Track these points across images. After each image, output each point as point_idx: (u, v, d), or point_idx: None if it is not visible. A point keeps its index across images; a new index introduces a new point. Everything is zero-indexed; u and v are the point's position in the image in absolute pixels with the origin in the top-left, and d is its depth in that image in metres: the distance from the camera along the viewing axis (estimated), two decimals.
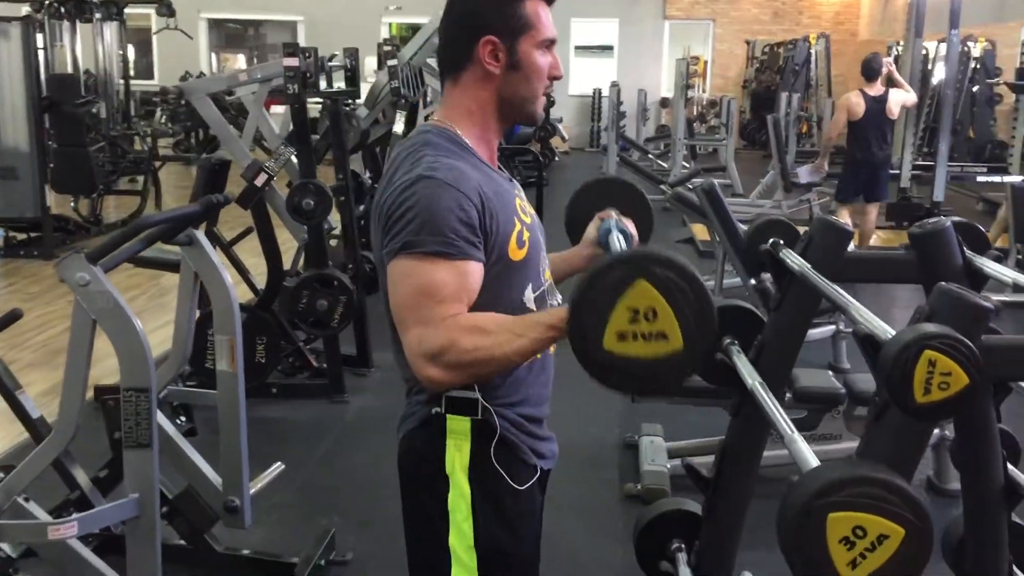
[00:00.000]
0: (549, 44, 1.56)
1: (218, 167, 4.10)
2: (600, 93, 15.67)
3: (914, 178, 9.04)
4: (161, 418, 2.43)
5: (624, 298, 1.28)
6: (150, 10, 12.61)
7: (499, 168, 1.63)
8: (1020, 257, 6.37)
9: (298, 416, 4.18)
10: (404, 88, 5.44)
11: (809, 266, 1.75)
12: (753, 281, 4.39)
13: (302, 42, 17.32)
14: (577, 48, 16.79)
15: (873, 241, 8.88)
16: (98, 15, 9.48)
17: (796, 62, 15.19)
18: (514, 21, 1.52)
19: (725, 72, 17.64)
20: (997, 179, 9.17)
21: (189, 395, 2.98)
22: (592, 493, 3.48)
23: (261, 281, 4.54)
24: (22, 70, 6.90)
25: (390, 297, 1.48)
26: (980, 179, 10.01)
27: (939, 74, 11.75)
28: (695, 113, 15.87)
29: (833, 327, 4.79)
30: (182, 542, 2.70)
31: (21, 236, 7.39)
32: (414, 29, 15.96)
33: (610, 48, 17.22)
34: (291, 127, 4.25)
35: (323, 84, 4.83)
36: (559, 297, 1.70)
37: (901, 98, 7.31)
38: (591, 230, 1.82)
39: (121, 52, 10.66)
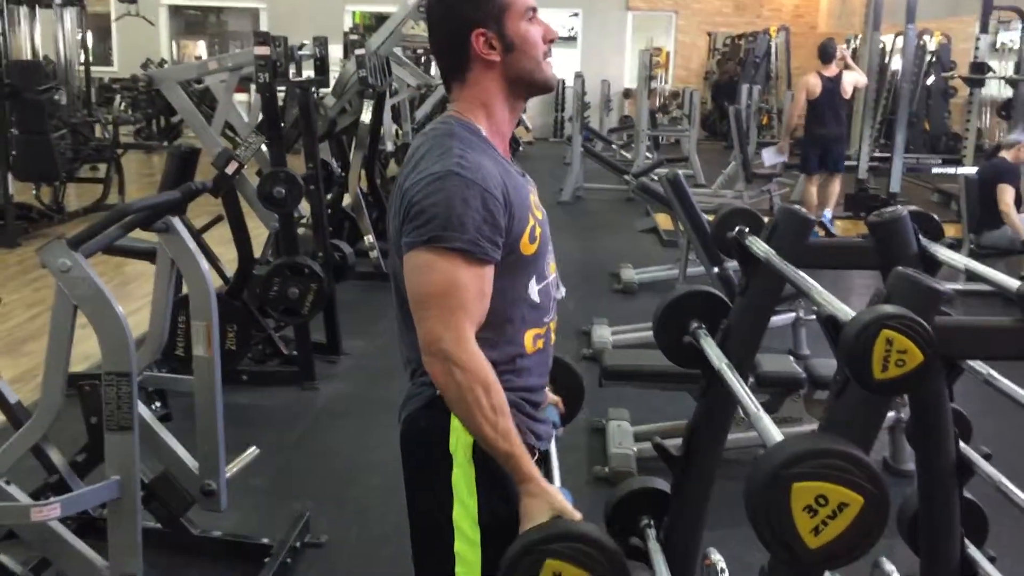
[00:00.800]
0: (532, 12, 1.62)
1: (188, 155, 4.10)
2: (563, 83, 15.75)
3: (871, 170, 9.22)
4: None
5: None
6: None
7: (512, 160, 1.68)
8: (973, 247, 6.55)
9: (269, 403, 4.21)
10: (372, 78, 5.47)
11: (774, 252, 1.83)
12: (716, 269, 4.51)
13: (264, 29, 17.27)
14: None
15: (832, 229, 9.07)
16: (58, 1, 9.34)
17: (757, 54, 15.35)
18: (491, 5, 1.58)
19: (687, 64, 17.79)
20: (951, 171, 9.39)
21: (165, 380, 3.01)
22: (561, 476, 3.54)
23: (230, 268, 4.56)
24: None
25: (408, 285, 1.53)
26: (935, 171, 10.23)
27: (896, 67, 11.97)
28: (658, 104, 16.01)
29: (793, 315, 4.91)
30: (158, 525, 2.74)
31: None
32: (378, 18, 15.90)
33: (573, 39, 17.29)
34: (261, 116, 4.27)
35: (292, 73, 4.85)
36: (563, 290, 1.78)
37: (853, 79, 8.27)
38: None
39: (81, 38, 10.52)
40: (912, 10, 8.63)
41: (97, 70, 12.51)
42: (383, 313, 5.44)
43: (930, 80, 13.17)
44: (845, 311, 1.39)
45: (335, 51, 9.95)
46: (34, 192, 7.98)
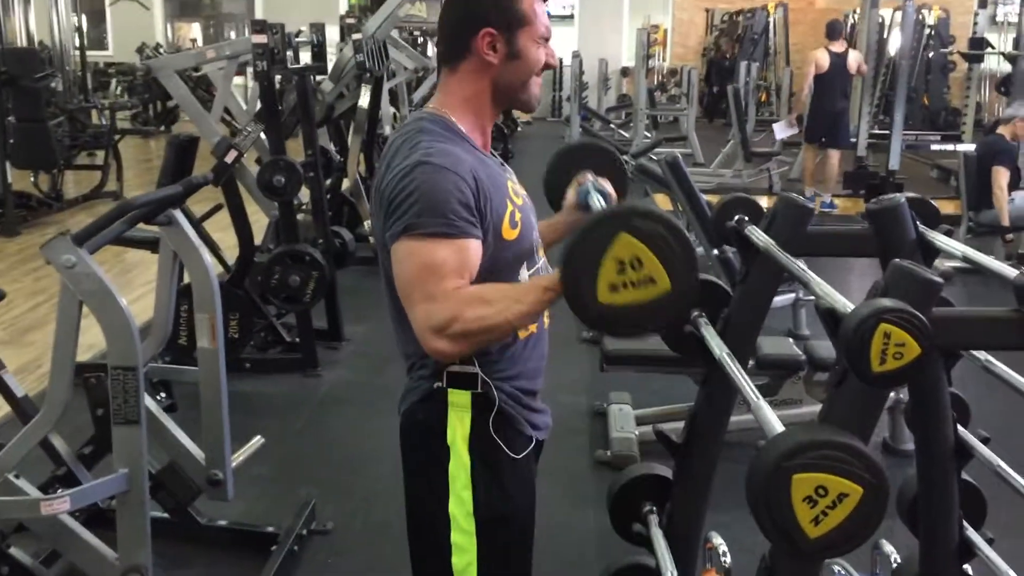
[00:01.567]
0: (546, 39, 1.65)
1: (187, 144, 4.11)
2: (561, 63, 15.71)
3: (870, 146, 9.22)
4: None
5: (609, 252, 1.37)
6: None
7: (492, 153, 1.70)
8: (972, 224, 6.56)
9: (273, 390, 4.24)
10: (369, 62, 5.45)
11: (773, 242, 1.85)
12: (716, 252, 4.52)
13: (258, 11, 17.17)
14: None
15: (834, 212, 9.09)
16: None
17: (755, 31, 15.31)
18: (512, 15, 1.60)
19: (685, 41, 17.71)
20: (950, 147, 9.38)
21: (170, 372, 3.03)
22: (564, 460, 3.58)
23: (230, 255, 4.57)
24: None
25: (395, 277, 1.54)
26: (934, 147, 10.22)
27: (894, 42, 11.95)
28: (656, 82, 15.96)
29: (793, 295, 4.93)
30: (166, 515, 2.77)
31: None
32: (376, 1, 15.85)
33: (570, 17, 17.21)
34: (259, 104, 4.27)
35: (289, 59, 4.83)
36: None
37: (858, 57, 8.85)
38: (571, 195, 1.91)
39: (76, 23, 10.49)
40: None
41: (92, 54, 12.48)
42: (383, 299, 5.43)
43: (929, 55, 13.14)
44: (843, 303, 1.41)
45: (331, 33, 9.94)
46: (32, 180, 7.98)
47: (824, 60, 8.60)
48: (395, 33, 7.00)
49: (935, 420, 1.83)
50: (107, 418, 2.33)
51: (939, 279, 1.41)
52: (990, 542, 2.06)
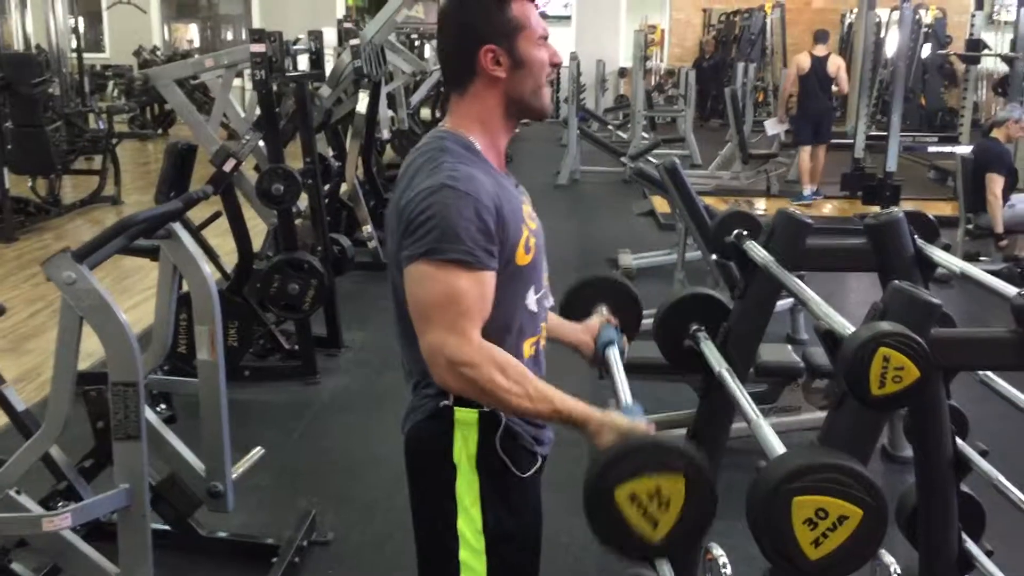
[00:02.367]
0: (544, 39, 1.65)
1: (185, 152, 4.11)
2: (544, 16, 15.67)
3: (867, 148, 9.23)
4: None
5: (659, 477, 1.40)
6: None
7: (506, 173, 1.70)
8: (970, 226, 6.57)
9: (272, 398, 4.24)
10: (367, 67, 5.46)
11: (772, 259, 1.86)
12: (715, 256, 4.52)
13: (256, 13, 17.17)
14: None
15: (828, 210, 9.11)
16: None
17: (752, 31, 15.32)
18: (506, 25, 1.60)
19: (682, 42, 17.73)
20: (948, 149, 9.39)
21: (170, 384, 3.03)
22: (564, 470, 3.56)
23: (228, 260, 4.57)
24: None
25: (409, 298, 1.55)
26: (931, 149, 10.23)
27: (891, 41, 11.96)
28: (653, 83, 15.96)
29: (791, 300, 4.93)
30: (166, 527, 2.78)
31: None
32: (373, 1, 15.82)
33: (568, 18, 17.22)
34: (257, 111, 4.27)
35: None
36: (551, 300, 1.80)
37: (839, 62, 9.52)
38: (594, 323, 1.97)
39: (73, 25, 10.48)
40: None
41: (89, 57, 12.46)
42: (382, 304, 5.39)
43: (925, 54, 13.15)
44: (842, 325, 1.42)
45: (329, 35, 9.93)
46: (30, 185, 7.97)
47: (805, 62, 9.33)
48: (392, 36, 7.00)
49: (934, 434, 1.84)
50: (107, 431, 2.33)
51: (937, 301, 1.42)
52: (989, 554, 2.07)
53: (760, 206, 9.24)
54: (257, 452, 2.94)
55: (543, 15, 1.71)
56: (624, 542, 1.43)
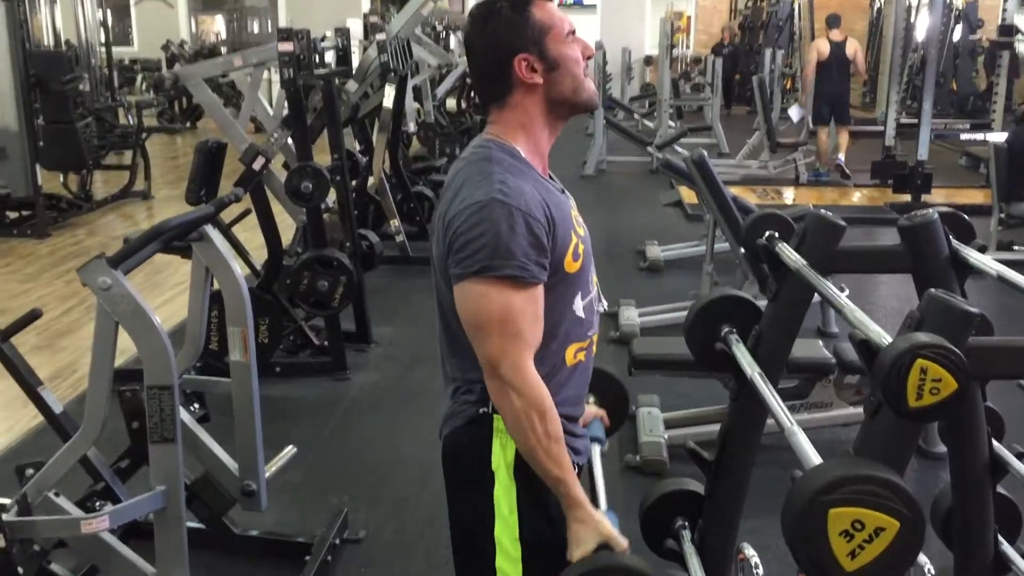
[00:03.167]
0: (572, 34, 1.64)
1: (215, 150, 4.14)
2: None
3: (898, 135, 9.13)
4: None
5: None
6: None
7: (552, 177, 1.70)
8: (1003, 216, 6.49)
9: (303, 394, 4.27)
10: (393, 62, 5.47)
11: (805, 263, 1.84)
12: (743, 250, 4.49)
13: (282, 5, 17.22)
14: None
15: (858, 199, 9.03)
16: None
17: (780, 17, 15.16)
18: (532, 31, 1.59)
19: (708, 28, 17.61)
20: (980, 136, 9.26)
21: (203, 384, 3.06)
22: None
23: (257, 254, 4.60)
24: (8, 49, 6.83)
25: (463, 315, 1.56)
26: (964, 136, 10.10)
27: (921, 25, 11.80)
28: (679, 71, 15.86)
29: None
30: (200, 525, 2.81)
31: (13, 215, 7.38)
32: None
33: (593, 7, 17.13)
34: (286, 109, 4.29)
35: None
36: (605, 303, 1.80)
37: (855, 45, 9.75)
38: (587, 413, 1.93)
39: (102, 20, 10.56)
40: None
41: (117, 50, 12.56)
42: (410, 299, 5.48)
43: (956, 37, 12.95)
44: (879, 335, 1.40)
45: (354, 26, 9.94)
46: (61, 181, 8.06)
47: (825, 48, 9.56)
48: (417, 29, 7.00)
49: (970, 438, 1.82)
50: (142, 431, 2.36)
51: (975, 310, 1.40)
52: None
53: (788, 195, 9.18)
54: (289, 451, 2.97)
55: (566, 4, 1.69)
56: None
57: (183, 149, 12.01)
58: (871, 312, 5.58)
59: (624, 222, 7.86)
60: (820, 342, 3.87)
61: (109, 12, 11.30)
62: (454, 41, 10.59)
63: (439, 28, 10.49)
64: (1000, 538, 2.00)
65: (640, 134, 11.02)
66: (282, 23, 16.61)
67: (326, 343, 4.54)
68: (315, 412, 4.10)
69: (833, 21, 9.70)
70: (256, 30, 19.23)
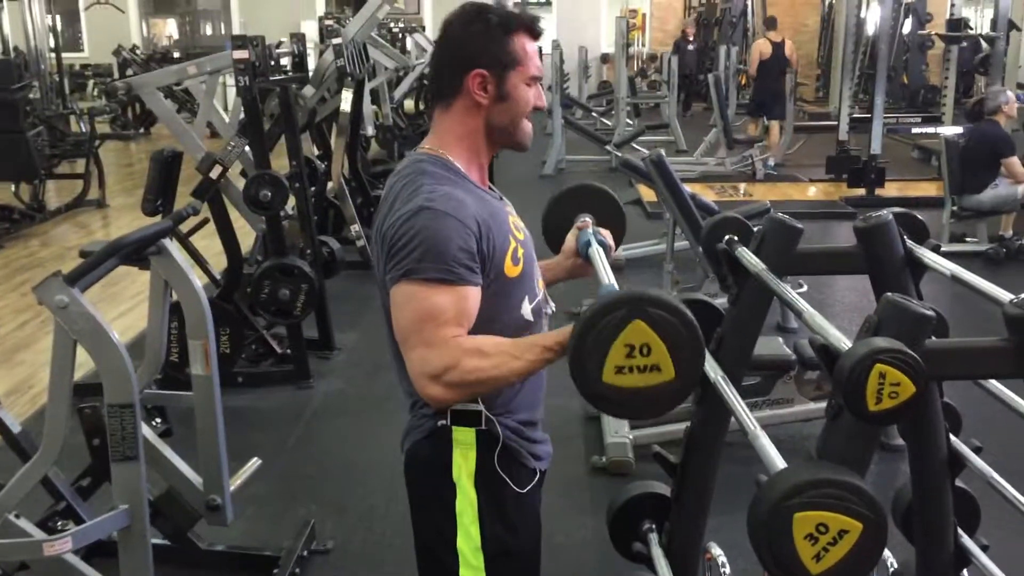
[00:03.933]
0: (535, 80, 1.66)
1: (170, 159, 4.09)
2: (541, 51, 15.63)
3: (851, 129, 9.26)
4: None
5: (622, 336, 1.38)
6: None
7: (490, 188, 1.71)
8: (955, 208, 6.61)
9: (266, 404, 4.24)
10: (350, 66, 5.45)
11: (764, 267, 1.86)
12: (702, 248, 4.53)
13: (235, 7, 17.04)
14: (515, 5, 16.70)
15: (813, 193, 9.14)
16: None
17: (733, 14, 15.30)
18: (503, 56, 1.61)
19: (664, 25, 17.71)
20: (931, 130, 9.42)
21: (164, 398, 3.03)
22: (559, 468, 3.56)
23: (216, 262, 4.55)
24: None
25: (393, 321, 1.57)
26: (915, 130, 10.27)
27: (872, 19, 11.99)
28: (635, 68, 15.94)
29: None
30: (166, 541, 2.78)
31: None
32: None
33: (548, 4, 17.16)
34: (242, 115, 4.25)
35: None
36: (552, 305, 1.80)
37: (792, 46, 10.88)
38: (570, 240, 1.93)
39: (51, 25, 10.39)
40: None
41: (68, 56, 12.36)
42: (372, 304, 5.37)
43: (907, 30, 13.15)
44: (838, 339, 1.43)
45: (310, 30, 9.87)
46: (13, 191, 7.92)
47: (767, 49, 10.58)
48: (374, 32, 6.97)
49: (928, 434, 1.86)
50: (103, 448, 2.33)
51: (930, 312, 1.43)
52: (985, 548, 2.09)
53: (745, 191, 9.27)
54: (254, 463, 2.94)
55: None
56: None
57: (137, 156, 11.86)
58: (829, 307, 5.62)
59: None
60: (780, 339, 3.92)
61: (58, 17, 11.13)
62: (411, 43, 10.56)
63: (395, 30, 10.45)
64: (960, 531, 2.04)
65: (598, 133, 11.06)
66: (235, 26, 16.44)
67: (289, 351, 4.51)
68: (279, 422, 4.07)
69: (771, 23, 10.94)
70: (209, 32, 19.01)
